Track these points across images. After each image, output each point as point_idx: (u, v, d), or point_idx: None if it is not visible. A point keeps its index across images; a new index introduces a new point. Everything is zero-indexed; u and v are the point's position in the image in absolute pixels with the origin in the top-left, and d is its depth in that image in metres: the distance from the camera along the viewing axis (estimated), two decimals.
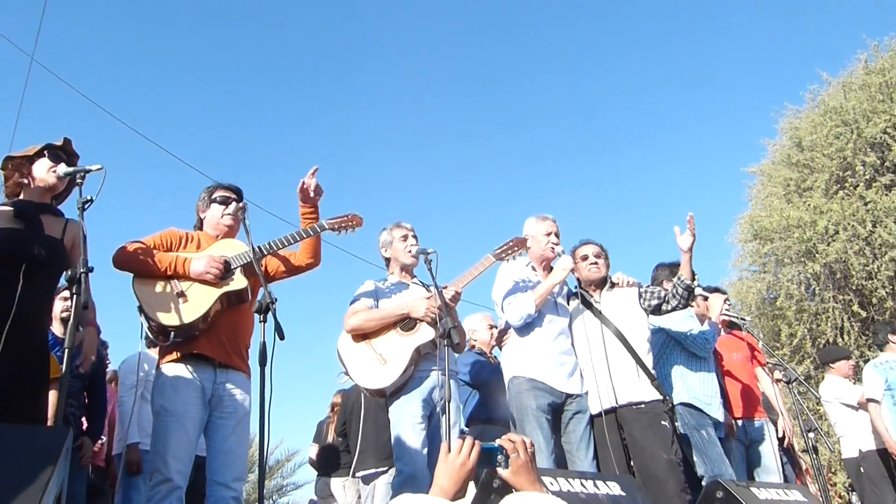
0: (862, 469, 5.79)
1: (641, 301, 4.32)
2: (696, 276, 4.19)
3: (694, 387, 4.44)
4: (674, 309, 4.26)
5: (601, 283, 4.38)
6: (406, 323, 3.73)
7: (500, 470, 1.71)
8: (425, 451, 3.56)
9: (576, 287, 4.46)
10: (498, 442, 1.75)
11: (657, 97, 34.29)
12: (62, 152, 3.19)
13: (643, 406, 3.95)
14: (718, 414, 4.47)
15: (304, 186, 3.54)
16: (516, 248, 4.04)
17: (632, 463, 3.92)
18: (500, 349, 4.29)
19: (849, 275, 12.53)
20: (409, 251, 3.97)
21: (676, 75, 33.85)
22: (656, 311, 4.30)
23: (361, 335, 3.74)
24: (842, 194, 13.03)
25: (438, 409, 3.67)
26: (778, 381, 5.23)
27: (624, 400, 3.96)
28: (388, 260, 4.14)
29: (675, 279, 4.22)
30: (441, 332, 3.39)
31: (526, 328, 4.07)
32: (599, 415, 3.99)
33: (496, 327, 5.58)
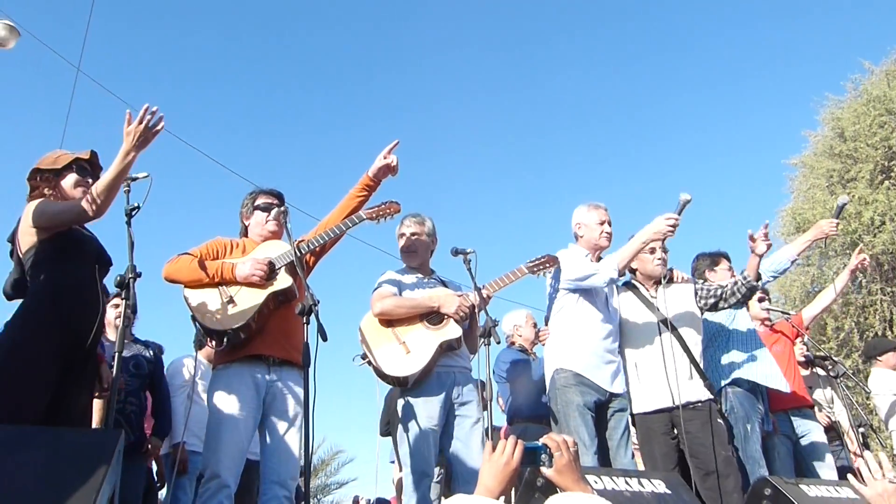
0: None
1: (697, 299, 4.20)
2: (760, 278, 4.09)
3: (753, 364, 4.35)
4: (731, 306, 4.18)
5: (658, 278, 4.24)
6: (433, 317, 3.71)
7: (543, 469, 1.71)
8: (436, 450, 3.57)
9: (630, 279, 4.33)
10: (541, 440, 1.74)
11: (696, 90, 33.87)
12: (88, 165, 3.23)
13: (699, 404, 3.87)
14: (783, 385, 4.39)
15: (393, 164, 3.61)
16: (548, 265, 3.95)
17: (689, 459, 3.86)
18: (543, 344, 4.21)
19: None
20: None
21: (716, 67, 33.36)
22: (713, 308, 4.21)
23: (387, 322, 3.72)
24: (888, 184, 12.75)
25: (457, 407, 3.65)
26: (822, 373, 5.14)
27: (681, 401, 3.85)
28: None
29: (738, 276, 4.12)
30: (482, 330, 3.39)
31: (577, 319, 3.99)
32: (650, 413, 3.93)
33: (538, 324, 5.56)
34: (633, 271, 4.32)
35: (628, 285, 4.30)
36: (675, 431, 3.91)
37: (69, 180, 3.14)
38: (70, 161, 3.15)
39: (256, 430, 3.25)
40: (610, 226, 4.13)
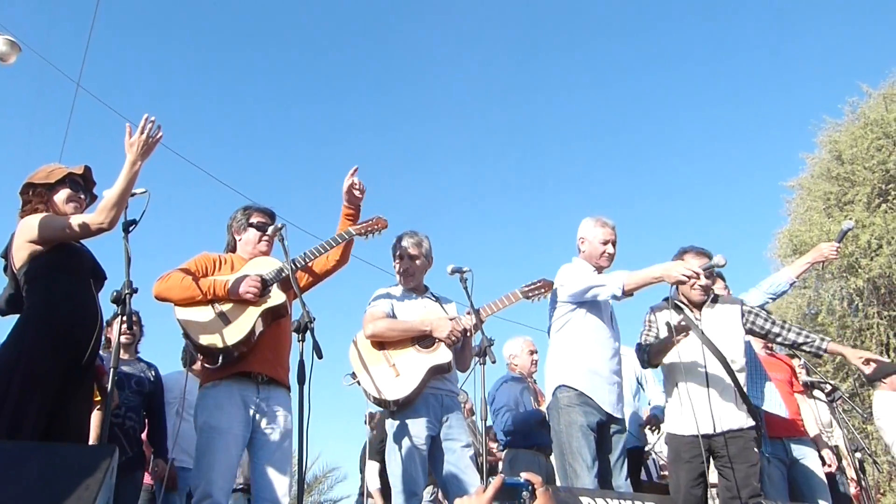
0: None
1: (744, 321, 4.10)
2: (826, 353, 4.12)
3: (754, 389, 4.34)
4: (775, 343, 4.21)
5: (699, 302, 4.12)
6: (425, 340, 3.71)
7: None
8: (425, 471, 3.57)
9: (671, 297, 4.13)
10: (524, 476, 1.73)
11: (694, 111, 33.99)
12: (81, 179, 3.23)
13: (739, 432, 3.82)
14: (781, 410, 4.38)
15: (354, 187, 3.62)
16: (543, 290, 3.95)
17: (718, 478, 3.85)
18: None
19: (894, 290, 12.30)
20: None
21: (713, 90, 33.53)
22: (753, 334, 4.17)
23: (379, 343, 3.72)
24: (885, 207, 12.81)
25: (445, 430, 3.64)
26: (816, 398, 5.13)
27: (723, 428, 3.79)
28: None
29: (816, 340, 4.09)
30: (477, 350, 3.39)
31: (581, 336, 3.91)
32: (690, 437, 3.83)
33: (536, 352, 5.56)
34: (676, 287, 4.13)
35: (671, 303, 4.11)
36: (707, 454, 3.83)
37: (62, 195, 3.13)
38: (63, 176, 3.15)
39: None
40: (614, 247, 4.03)
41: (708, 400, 3.81)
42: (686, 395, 3.89)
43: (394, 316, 3.80)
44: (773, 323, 4.12)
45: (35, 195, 3.12)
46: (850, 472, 5.51)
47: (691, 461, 3.80)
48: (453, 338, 3.64)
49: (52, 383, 2.73)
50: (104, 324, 3.08)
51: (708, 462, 3.83)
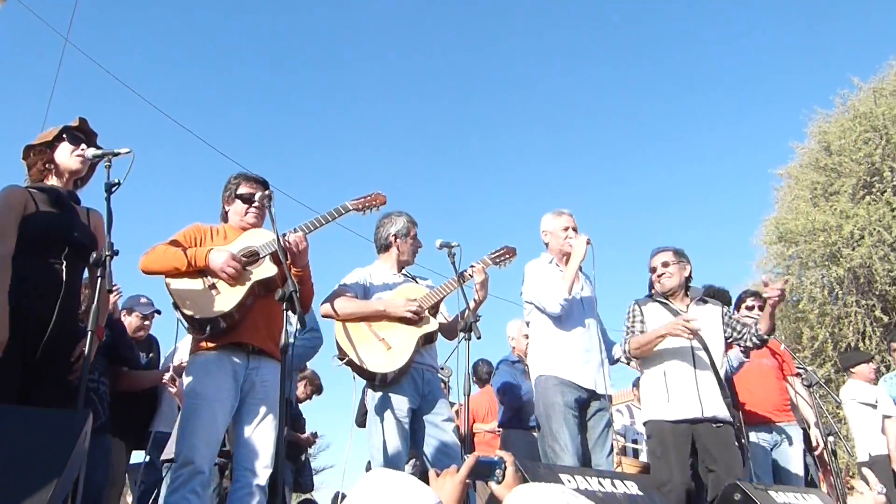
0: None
1: (724, 326, 4.19)
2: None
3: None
4: (742, 348, 4.29)
5: (682, 290, 4.23)
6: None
7: (492, 484, 1.69)
8: (406, 444, 3.56)
9: (651, 295, 4.30)
10: (499, 454, 1.73)
11: (687, 98, 34.10)
12: (80, 133, 3.13)
13: (721, 425, 3.89)
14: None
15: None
16: (508, 256, 3.97)
17: (703, 475, 3.89)
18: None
19: (872, 280, 12.48)
20: (414, 250, 3.96)
21: (707, 76, 33.60)
22: (734, 341, 4.25)
23: (357, 318, 3.67)
24: (869, 199, 12.94)
25: (426, 403, 3.64)
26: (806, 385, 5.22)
27: (708, 413, 3.87)
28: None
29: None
30: (463, 325, 3.36)
31: (556, 322, 4.04)
32: (674, 422, 3.90)
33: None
34: (651, 289, 4.33)
35: (654, 299, 4.26)
36: (694, 444, 3.90)
37: (63, 150, 3.06)
38: (59, 132, 3.07)
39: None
40: (575, 231, 4.19)
41: (696, 386, 3.91)
42: (674, 381, 3.97)
43: (369, 296, 3.76)
44: (743, 328, 4.19)
45: (36, 155, 3.07)
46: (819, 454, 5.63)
47: (684, 444, 3.86)
48: (409, 311, 3.62)
49: (10, 361, 2.65)
50: (72, 297, 2.96)
51: (693, 450, 3.88)
